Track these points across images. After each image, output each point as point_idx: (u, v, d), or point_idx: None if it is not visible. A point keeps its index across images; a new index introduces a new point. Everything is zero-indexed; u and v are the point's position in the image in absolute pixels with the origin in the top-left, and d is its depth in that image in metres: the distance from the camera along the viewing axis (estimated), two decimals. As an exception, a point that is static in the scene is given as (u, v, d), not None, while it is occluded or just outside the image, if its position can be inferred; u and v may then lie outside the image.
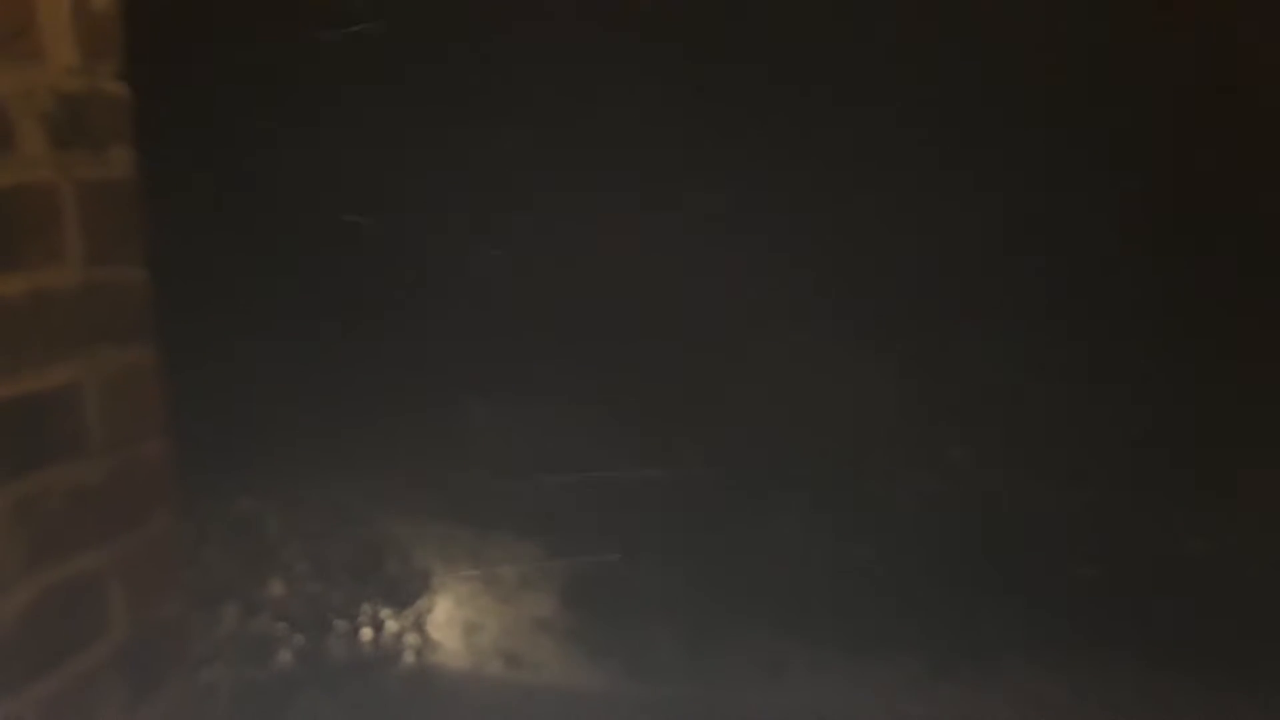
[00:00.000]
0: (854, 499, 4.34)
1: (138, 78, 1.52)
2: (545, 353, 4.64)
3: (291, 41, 4.57)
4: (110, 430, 1.49)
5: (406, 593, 4.29)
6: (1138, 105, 4.07)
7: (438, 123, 4.70)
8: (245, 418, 4.34)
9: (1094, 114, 4.12)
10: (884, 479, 4.39)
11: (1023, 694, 3.85)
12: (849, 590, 4.15)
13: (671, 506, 4.46)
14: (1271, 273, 4.03)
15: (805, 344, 4.42)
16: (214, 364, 4.11)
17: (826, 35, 4.23)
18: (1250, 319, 4.09)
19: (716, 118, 4.45)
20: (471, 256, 4.73)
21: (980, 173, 4.22)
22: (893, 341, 4.43)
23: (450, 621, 4.40)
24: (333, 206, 4.70)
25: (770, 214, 4.48)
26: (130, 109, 1.53)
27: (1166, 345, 4.15)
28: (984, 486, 4.35)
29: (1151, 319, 4.18)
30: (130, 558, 1.52)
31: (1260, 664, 3.78)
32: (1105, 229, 4.17)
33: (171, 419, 1.61)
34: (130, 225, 1.53)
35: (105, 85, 1.47)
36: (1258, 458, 4.14)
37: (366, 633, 4.16)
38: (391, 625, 4.20)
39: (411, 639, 4.20)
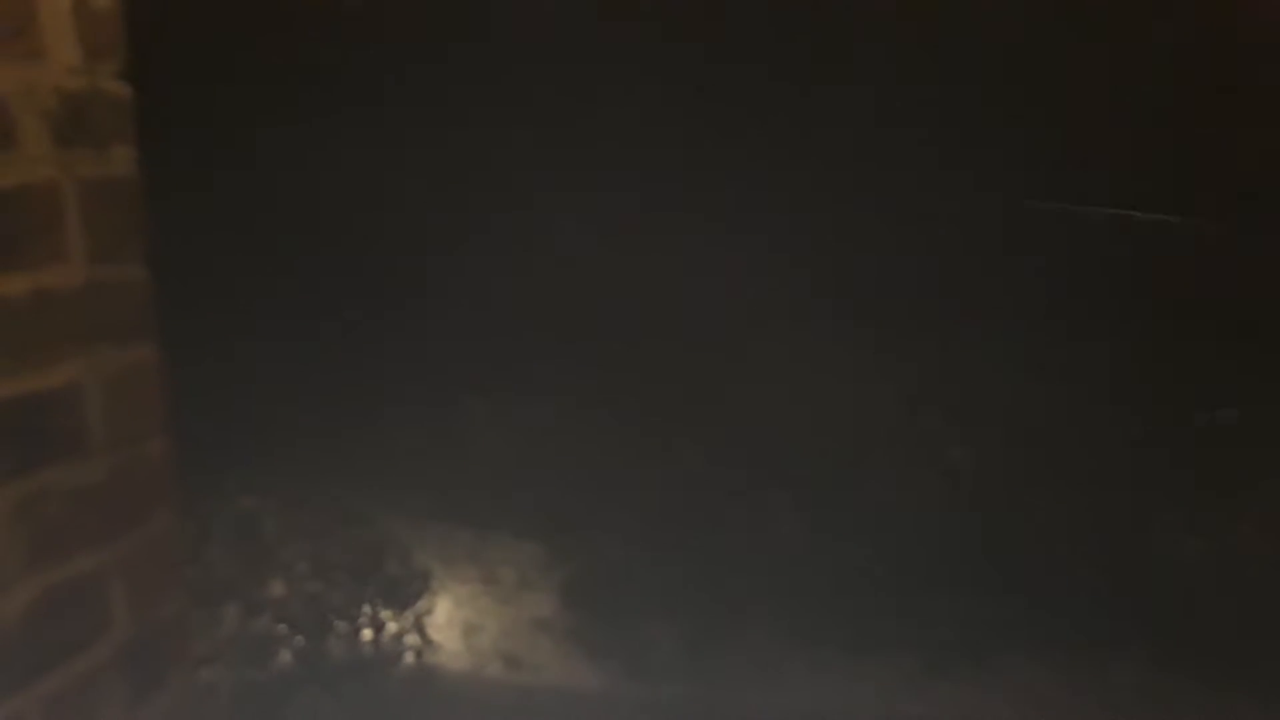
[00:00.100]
0: (854, 499, 4.34)
1: (139, 77, 1.52)
2: (545, 353, 4.65)
3: (291, 42, 4.58)
4: (111, 429, 1.49)
5: (406, 593, 4.29)
6: (1138, 105, 4.08)
7: (438, 123, 4.71)
8: (246, 417, 4.34)
9: (1094, 114, 4.13)
10: (884, 479, 4.39)
11: (1023, 693, 3.85)
12: (848, 590, 4.15)
13: (671, 506, 4.46)
14: (1272, 274, 4.04)
15: (805, 344, 4.42)
16: (215, 363, 4.11)
17: (826, 35, 4.24)
18: (1250, 319, 4.10)
19: (716, 118, 4.45)
20: (471, 256, 4.74)
21: (980, 173, 4.22)
22: (892, 341, 4.43)
23: (450, 622, 4.40)
24: (333, 206, 4.70)
25: (770, 214, 4.48)
26: (132, 108, 1.53)
27: (1166, 346, 4.15)
28: (984, 486, 4.35)
29: (1151, 319, 4.19)
30: (131, 557, 1.52)
31: (1260, 664, 3.78)
32: (1105, 229, 4.18)
33: (173, 418, 1.61)
34: (132, 224, 1.53)
35: (107, 84, 1.47)
36: (1258, 458, 4.15)
37: (366, 633, 4.16)
38: (391, 626, 4.20)
39: (411, 640, 4.20)
